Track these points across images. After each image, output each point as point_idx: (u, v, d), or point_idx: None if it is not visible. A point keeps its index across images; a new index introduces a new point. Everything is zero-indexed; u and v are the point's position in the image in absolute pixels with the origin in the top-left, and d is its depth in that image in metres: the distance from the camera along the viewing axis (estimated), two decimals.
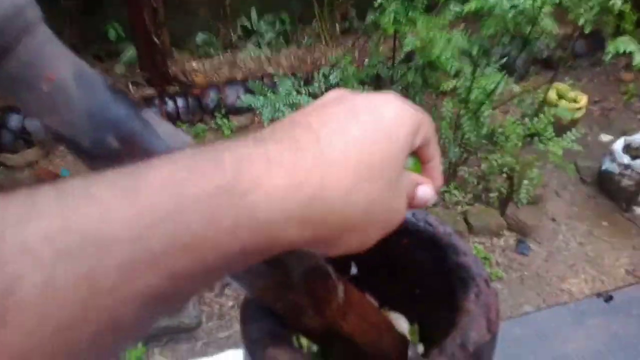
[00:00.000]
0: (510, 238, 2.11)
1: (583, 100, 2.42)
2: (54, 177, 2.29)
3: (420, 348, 0.45)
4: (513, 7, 1.74)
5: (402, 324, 0.45)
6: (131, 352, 1.59)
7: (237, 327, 1.82)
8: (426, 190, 0.30)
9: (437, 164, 0.31)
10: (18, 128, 2.35)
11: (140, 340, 1.60)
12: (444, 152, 2.20)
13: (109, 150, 0.23)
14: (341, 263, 0.39)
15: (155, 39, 2.46)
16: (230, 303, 1.88)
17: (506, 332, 0.68)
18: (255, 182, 0.21)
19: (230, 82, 2.61)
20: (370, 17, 2.07)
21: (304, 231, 0.23)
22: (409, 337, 0.44)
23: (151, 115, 0.25)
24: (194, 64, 2.81)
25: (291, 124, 0.25)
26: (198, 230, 0.19)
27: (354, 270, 0.46)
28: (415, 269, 0.45)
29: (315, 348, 0.42)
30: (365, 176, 0.24)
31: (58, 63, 0.22)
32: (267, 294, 0.32)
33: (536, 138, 2.01)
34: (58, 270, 0.17)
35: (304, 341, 0.42)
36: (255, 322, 0.34)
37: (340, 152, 0.24)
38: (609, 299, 0.73)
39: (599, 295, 0.73)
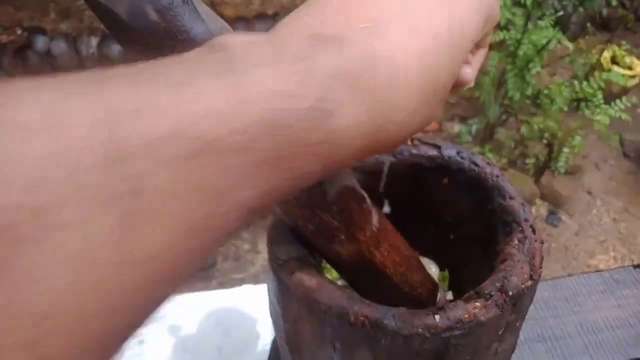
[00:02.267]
0: (542, 207, 2.00)
1: (639, 67, 2.24)
2: None
3: (449, 296, 0.43)
4: None
5: (431, 268, 0.43)
6: None
7: (252, 269, 1.80)
8: (468, 73, 0.28)
9: (481, 58, 0.30)
10: (44, 50, 2.29)
11: None
12: (483, 110, 2.07)
13: (146, 22, 0.22)
14: (374, 200, 0.37)
15: None
16: (246, 246, 1.85)
17: (539, 292, 0.68)
18: (339, 103, 0.20)
19: (261, 16, 2.48)
20: None
21: (365, 104, 0.21)
22: (438, 282, 0.41)
23: None
24: None
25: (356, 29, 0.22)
26: (300, 139, 0.19)
27: (386, 208, 0.43)
28: (452, 212, 0.42)
29: (340, 283, 0.39)
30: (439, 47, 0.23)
31: None
32: (300, 213, 0.30)
33: (583, 103, 1.88)
34: (184, 171, 0.16)
35: (330, 275, 0.38)
36: (283, 244, 0.32)
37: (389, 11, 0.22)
38: None
39: (636, 266, 0.68)
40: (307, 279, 0.29)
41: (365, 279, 0.34)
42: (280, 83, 0.19)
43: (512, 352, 0.38)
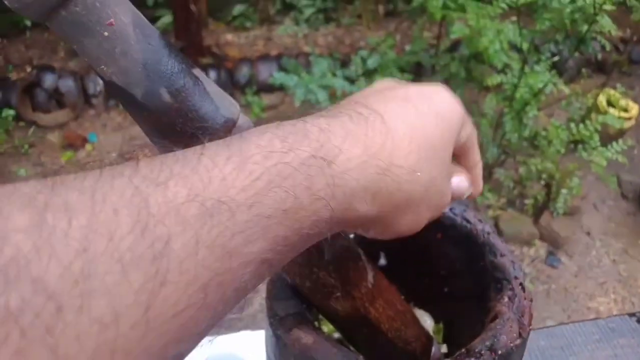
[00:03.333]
0: (541, 248, 2.00)
1: (634, 110, 2.28)
2: (82, 140, 2.27)
3: (444, 348, 0.43)
4: (572, 2, 1.62)
5: (426, 320, 0.44)
6: None
7: (250, 309, 1.79)
8: (462, 180, 0.31)
9: (479, 171, 0.33)
10: (52, 88, 2.34)
11: None
12: (481, 151, 2.09)
13: (160, 103, 0.24)
14: (370, 252, 0.40)
15: (192, 7, 2.40)
16: None
17: (530, 343, 0.67)
18: (338, 150, 0.22)
19: (264, 57, 2.54)
20: (417, 0, 1.96)
21: (373, 205, 0.24)
22: (433, 335, 0.42)
23: (201, 73, 0.25)
24: (229, 36, 2.75)
25: (354, 104, 0.26)
26: (299, 196, 0.21)
27: (382, 261, 0.45)
28: (446, 266, 0.43)
29: (336, 336, 0.41)
30: (426, 155, 0.26)
31: (119, 10, 0.22)
32: (298, 270, 0.31)
33: (580, 146, 1.90)
34: (202, 230, 0.18)
35: (326, 327, 0.41)
36: (281, 299, 0.34)
37: (403, 132, 0.25)
38: None
39: (631, 315, 0.68)
40: (304, 336, 0.30)
41: (361, 333, 0.35)
42: (278, 141, 0.21)
43: None
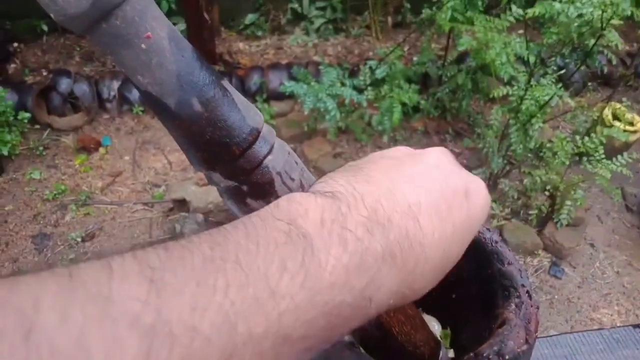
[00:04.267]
0: (544, 259, 2.02)
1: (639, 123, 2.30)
2: (96, 143, 2.31)
3: (451, 353, 0.44)
4: (579, 16, 1.65)
5: (434, 325, 0.45)
6: None
7: None
8: None
9: None
10: (67, 92, 2.39)
11: None
12: (486, 162, 2.12)
13: (191, 112, 0.25)
14: None
15: (206, 15, 2.45)
16: None
17: (534, 351, 0.67)
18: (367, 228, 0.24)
19: (275, 66, 2.58)
20: (425, 12, 1.99)
21: (398, 278, 0.25)
22: (440, 339, 0.43)
23: (228, 84, 0.26)
24: (241, 44, 2.80)
25: (366, 172, 0.27)
26: (346, 315, 0.23)
27: None
28: (454, 273, 0.44)
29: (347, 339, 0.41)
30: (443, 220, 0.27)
31: (156, 24, 0.23)
32: None
33: (585, 158, 1.92)
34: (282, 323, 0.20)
35: None
36: None
37: (424, 200, 0.27)
38: None
39: (636, 326, 0.69)
40: None
41: (373, 337, 0.37)
42: (340, 275, 0.22)
43: None
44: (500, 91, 1.92)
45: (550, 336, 0.67)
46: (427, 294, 0.46)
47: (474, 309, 0.42)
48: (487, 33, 1.74)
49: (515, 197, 2.10)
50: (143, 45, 0.23)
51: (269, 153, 0.27)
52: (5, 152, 2.15)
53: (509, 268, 0.40)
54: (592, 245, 2.11)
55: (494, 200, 2.13)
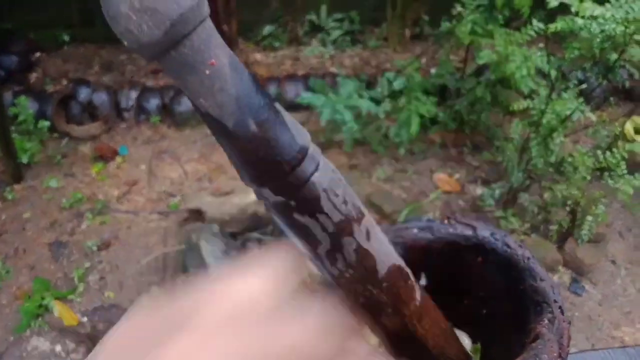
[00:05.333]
0: (565, 275, 1.98)
1: None
2: (112, 152, 2.33)
3: None
4: (602, 31, 1.63)
5: (464, 340, 0.44)
6: None
7: None
8: None
9: None
10: (86, 101, 2.42)
11: None
12: (506, 176, 2.10)
13: (247, 132, 0.26)
14: (413, 272, 0.41)
15: (225, 27, 2.46)
16: None
17: None
18: None
19: (291, 77, 2.59)
20: (444, 25, 1.99)
21: None
22: (471, 354, 0.43)
23: (279, 105, 0.28)
24: (258, 55, 2.81)
25: None
26: None
27: (423, 281, 0.45)
28: (486, 289, 0.44)
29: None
30: None
31: (219, 51, 0.25)
32: (353, 287, 0.32)
33: (606, 173, 1.89)
34: None
35: None
36: None
37: None
38: None
39: None
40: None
41: (407, 349, 0.37)
42: None
43: None
44: (520, 104, 1.90)
45: (574, 353, 0.66)
46: (458, 310, 0.46)
47: (505, 324, 0.42)
48: (507, 46, 1.72)
49: (535, 212, 2.07)
50: (207, 72, 0.25)
51: (315, 170, 0.28)
52: (25, 160, 2.17)
53: (541, 284, 0.39)
54: (613, 262, 2.07)
55: (513, 215, 2.10)
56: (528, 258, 0.42)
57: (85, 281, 1.85)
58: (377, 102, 2.18)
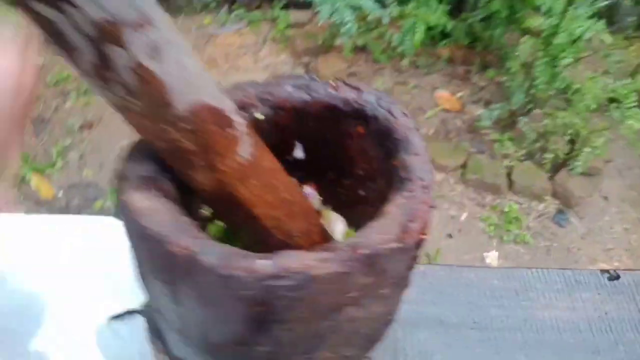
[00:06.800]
0: (551, 205, 1.92)
1: None
2: None
3: None
4: None
5: (339, 224, 0.40)
6: None
7: None
8: None
9: None
10: None
11: None
12: (507, 96, 1.98)
13: None
14: (284, 140, 0.32)
15: None
16: None
17: (480, 280, 0.63)
18: None
19: None
20: None
21: None
22: (342, 239, 0.38)
23: None
24: None
25: None
26: None
27: (300, 153, 0.38)
28: (364, 167, 0.38)
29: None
30: None
31: None
32: (144, 125, 0.26)
33: (614, 104, 1.77)
34: None
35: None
36: (136, 161, 0.29)
37: None
38: (614, 277, 0.62)
39: (604, 271, 0.64)
40: (140, 200, 0.27)
41: (233, 215, 0.32)
42: None
43: (387, 325, 0.35)
44: (535, 21, 1.75)
45: (504, 268, 0.62)
46: (337, 191, 0.41)
47: (379, 206, 0.36)
48: None
49: (534, 138, 1.97)
50: None
51: None
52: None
53: (412, 159, 0.33)
54: (605, 198, 2.00)
55: (509, 139, 2.01)
56: (409, 128, 0.36)
57: (65, 158, 1.84)
58: (383, 4, 2.02)
